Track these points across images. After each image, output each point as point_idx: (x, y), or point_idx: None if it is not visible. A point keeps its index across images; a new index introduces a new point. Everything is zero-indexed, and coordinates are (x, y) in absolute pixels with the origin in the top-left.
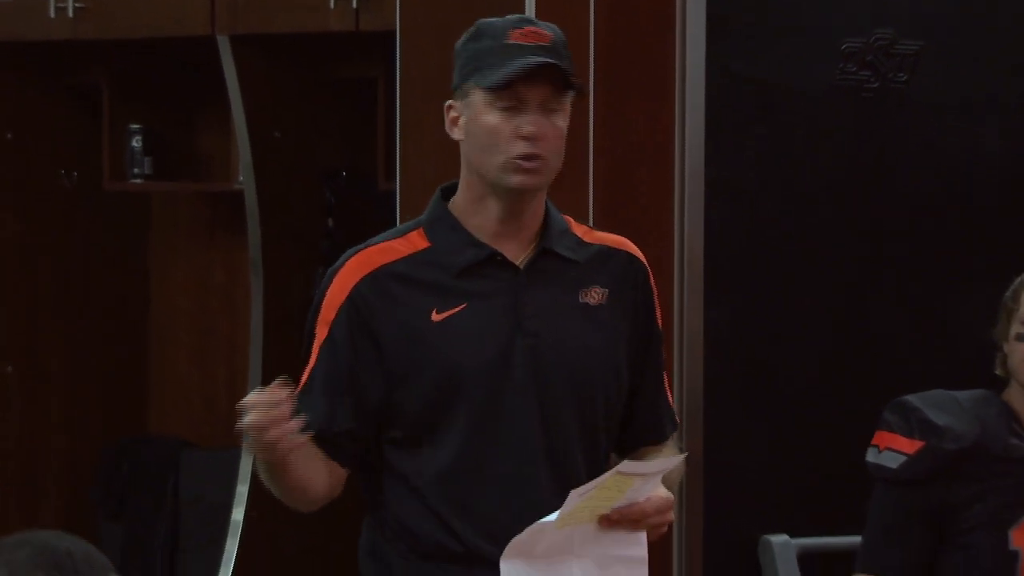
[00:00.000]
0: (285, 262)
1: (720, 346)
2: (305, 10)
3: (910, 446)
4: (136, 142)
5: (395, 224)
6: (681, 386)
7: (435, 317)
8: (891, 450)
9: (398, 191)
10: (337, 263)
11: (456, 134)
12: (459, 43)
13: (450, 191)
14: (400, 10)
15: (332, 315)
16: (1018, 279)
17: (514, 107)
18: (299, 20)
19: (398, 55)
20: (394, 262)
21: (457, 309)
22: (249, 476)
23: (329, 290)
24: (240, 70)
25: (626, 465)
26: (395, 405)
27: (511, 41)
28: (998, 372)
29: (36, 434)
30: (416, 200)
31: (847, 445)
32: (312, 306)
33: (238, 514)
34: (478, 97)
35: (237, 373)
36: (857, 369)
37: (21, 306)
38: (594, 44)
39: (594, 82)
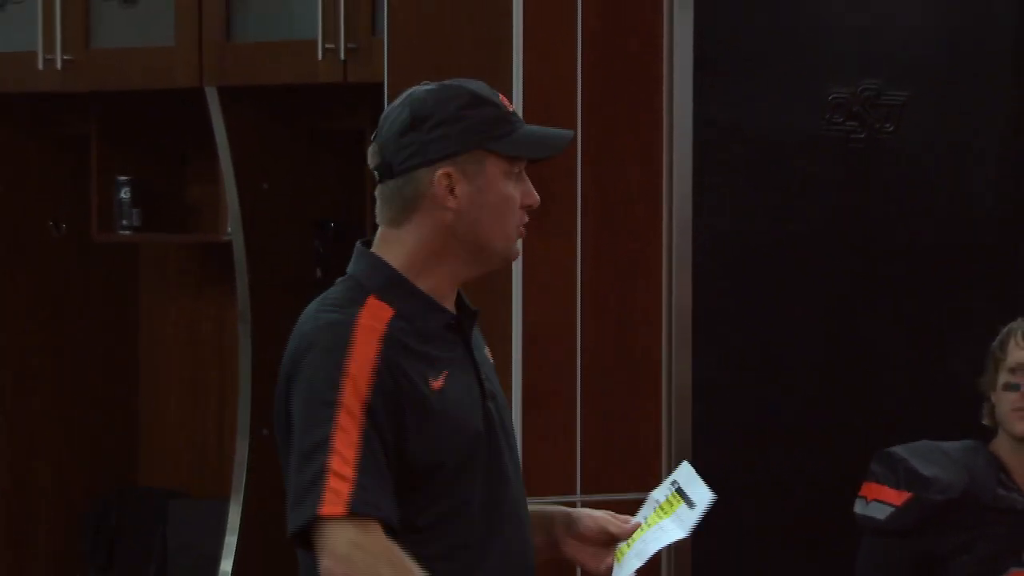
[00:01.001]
0: (273, 312)
1: (708, 393)
2: (293, 62)
3: (897, 497)
4: (124, 193)
5: None
6: (669, 432)
7: (434, 386)
8: (878, 501)
9: None
10: (343, 341)
11: (450, 202)
12: (451, 109)
13: (368, 249)
14: (388, 62)
15: (366, 389)
16: (1005, 329)
17: (518, 176)
18: (287, 72)
19: (386, 107)
20: (389, 330)
21: (443, 376)
22: (238, 527)
23: (350, 362)
24: (228, 122)
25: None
26: (412, 483)
27: (508, 109)
28: (985, 422)
29: (26, 486)
30: None
31: (837, 494)
32: (324, 376)
33: (227, 565)
34: (493, 165)
35: (226, 424)
36: (847, 417)
37: (9, 358)
38: (581, 94)
39: (581, 132)
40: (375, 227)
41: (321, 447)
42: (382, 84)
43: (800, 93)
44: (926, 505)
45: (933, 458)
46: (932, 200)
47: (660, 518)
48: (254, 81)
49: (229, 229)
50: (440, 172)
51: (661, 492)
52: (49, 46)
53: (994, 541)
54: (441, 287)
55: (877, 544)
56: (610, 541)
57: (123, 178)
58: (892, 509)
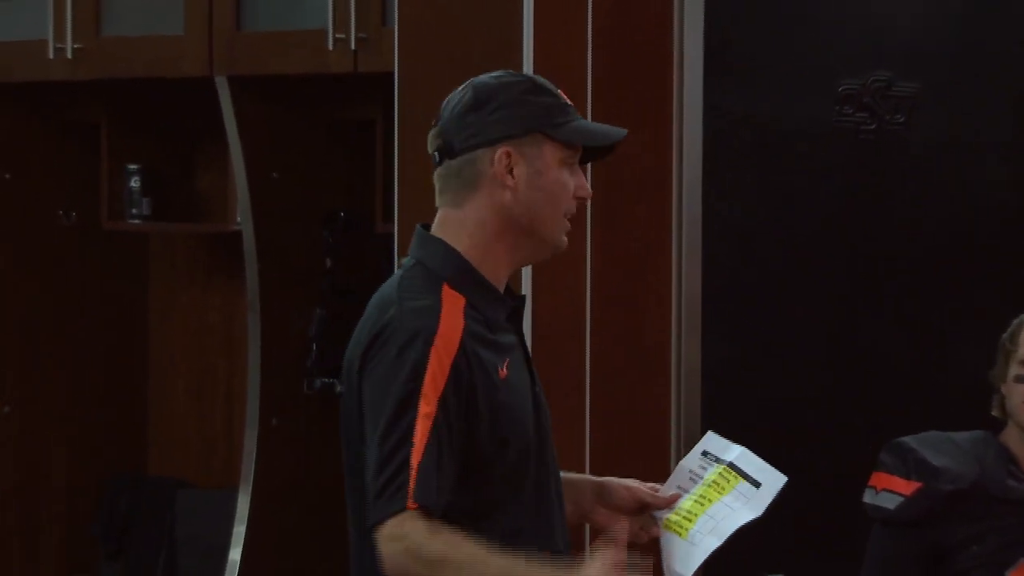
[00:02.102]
0: (283, 303)
1: (718, 381)
2: (303, 51)
3: (907, 487)
4: (134, 182)
5: (392, 266)
6: (679, 421)
7: (501, 374)
8: (888, 491)
9: (396, 233)
10: (428, 330)
11: (508, 181)
12: (513, 93)
13: (431, 234)
14: (399, 52)
15: (444, 379)
16: (1016, 321)
17: (572, 166)
18: (297, 61)
19: (396, 97)
20: (466, 320)
21: (506, 364)
22: (246, 517)
23: (432, 353)
24: (238, 111)
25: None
26: (481, 470)
27: (565, 101)
28: (995, 414)
29: (36, 474)
30: None
31: (845, 483)
32: (411, 359)
33: (235, 554)
34: (551, 151)
35: (235, 414)
36: (856, 406)
37: (19, 346)
38: (592, 82)
39: (592, 119)
40: (384, 218)
41: (404, 439)
42: (392, 74)
43: (810, 84)
44: (936, 495)
45: (943, 448)
46: (942, 191)
47: (718, 494)
48: (264, 71)
49: (239, 219)
50: (501, 151)
51: (693, 462)
52: (60, 35)
53: (1004, 532)
54: (498, 274)
55: (886, 534)
56: (641, 510)
57: (133, 167)
58: (902, 499)
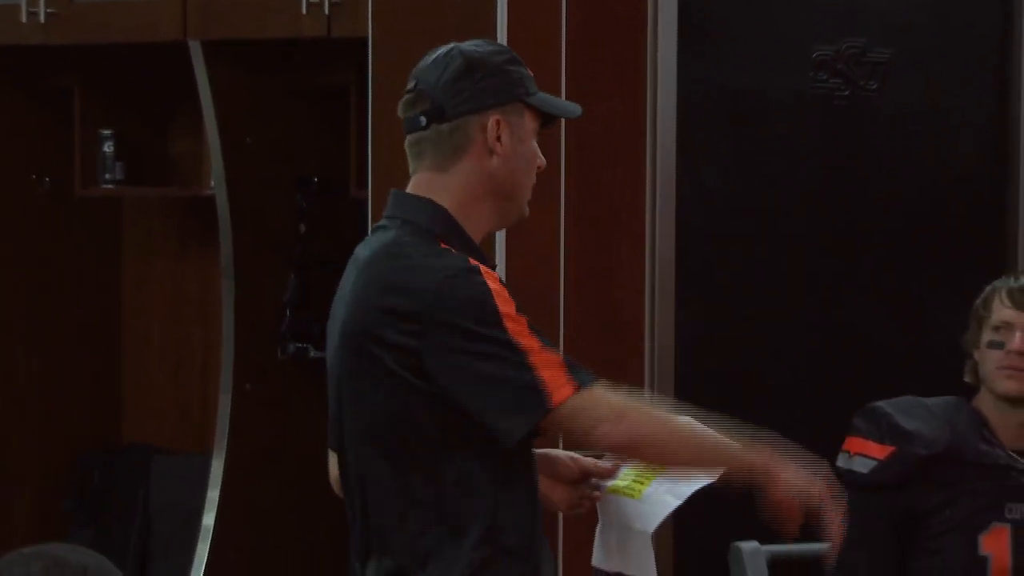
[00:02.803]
0: (257, 268)
1: (691, 350)
2: (277, 16)
3: (880, 451)
4: (108, 147)
5: (367, 231)
6: (652, 389)
7: None
8: (861, 455)
9: (370, 198)
10: (467, 266)
11: (497, 148)
12: (499, 61)
13: (409, 194)
14: (372, 17)
15: (510, 298)
16: (989, 287)
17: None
18: (271, 26)
19: (370, 62)
20: None
21: None
22: (220, 482)
23: (486, 277)
24: (212, 76)
25: None
26: None
27: (531, 74)
28: (967, 379)
29: (8, 442)
30: None
31: (818, 450)
32: (470, 293)
33: (209, 519)
34: (529, 121)
35: (210, 380)
36: (830, 373)
37: None
38: (565, 50)
39: (566, 88)
40: (358, 183)
41: (512, 356)
42: (366, 39)
43: (784, 50)
44: (909, 459)
45: (916, 413)
46: (915, 157)
47: None
48: (238, 35)
49: (212, 183)
50: (492, 119)
51: None
52: None
53: (976, 496)
54: (477, 237)
55: (859, 498)
56: (581, 480)
57: (106, 132)
58: (875, 463)
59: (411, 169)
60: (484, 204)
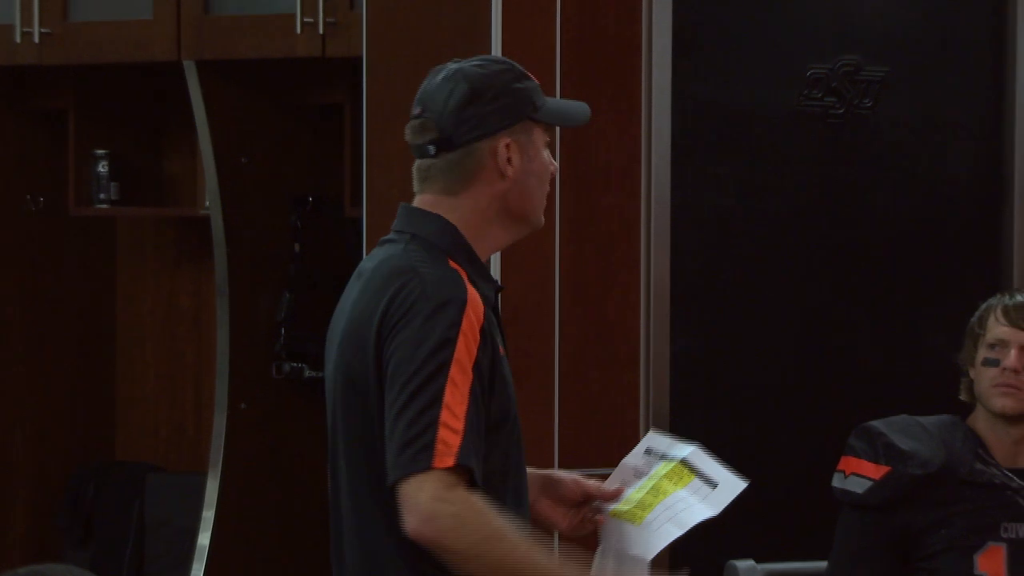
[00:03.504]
0: (251, 287)
1: (686, 371)
2: (271, 35)
3: (876, 471)
4: (102, 167)
5: (362, 250)
6: (647, 411)
7: (501, 351)
8: (857, 475)
9: (364, 217)
10: (459, 298)
11: (508, 171)
12: (504, 82)
13: (419, 209)
14: (367, 36)
15: (475, 346)
16: (984, 305)
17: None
18: (265, 45)
19: (364, 81)
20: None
21: (501, 339)
22: (215, 501)
23: (464, 319)
24: (207, 95)
25: (695, 455)
26: (487, 442)
27: (536, 82)
28: (963, 397)
29: (2, 459)
30: (383, 226)
31: (813, 469)
32: (443, 325)
33: (204, 539)
34: (539, 135)
35: (204, 398)
36: (824, 393)
37: None
38: (560, 69)
39: None
40: (353, 202)
41: (434, 401)
42: (361, 58)
43: (778, 68)
44: (905, 479)
45: (912, 432)
46: (911, 176)
47: (674, 486)
48: (232, 55)
49: (207, 203)
50: (503, 143)
51: (636, 459)
52: (27, 19)
53: (972, 516)
54: (484, 256)
55: (855, 518)
56: (584, 502)
57: (100, 152)
58: (870, 483)
59: (416, 188)
60: (495, 225)
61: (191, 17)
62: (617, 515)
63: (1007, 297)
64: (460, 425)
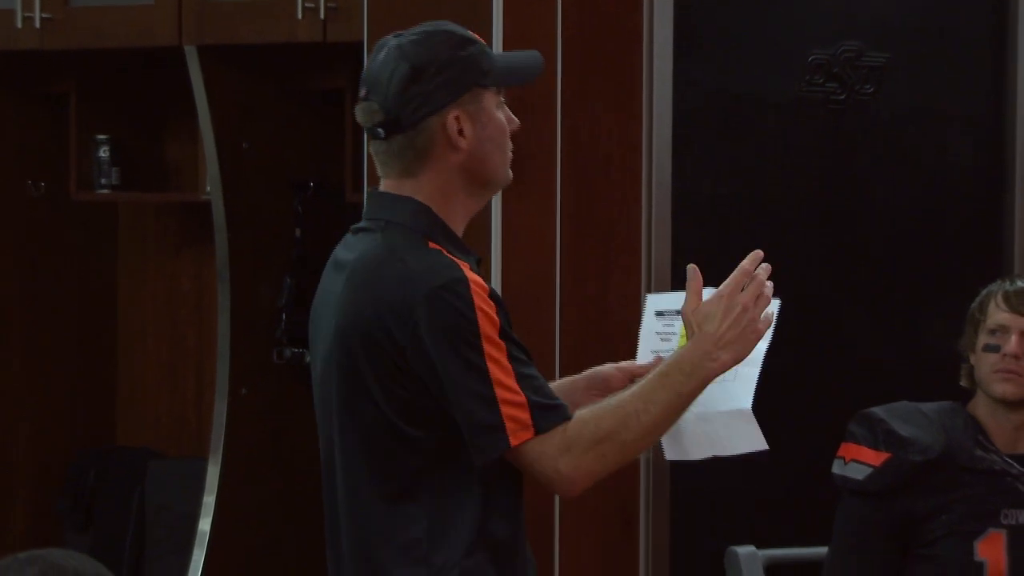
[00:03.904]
0: (253, 272)
1: None
2: (272, 20)
3: (876, 458)
4: (103, 152)
5: None
6: None
7: None
8: (857, 462)
9: (365, 202)
10: (457, 277)
11: (461, 143)
12: (445, 53)
13: (389, 194)
14: (368, 21)
15: (495, 315)
16: (984, 291)
17: (501, 104)
18: (266, 30)
19: (365, 65)
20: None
21: None
22: (216, 486)
23: (474, 295)
24: (208, 80)
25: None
26: None
27: (482, 42)
28: (963, 383)
29: (3, 445)
30: None
31: (814, 456)
32: (453, 315)
33: (205, 524)
34: (489, 99)
35: (205, 384)
36: (825, 380)
37: None
38: (561, 56)
39: (561, 94)
40: (354, 187)
41: (484, 384)
42: (362, 43)
43: (780, 55)
44: (905, 466)
45: (912, 419)
46: (912, 162)
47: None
48: (233, 40)
49: (208, 188)
50: (451, 116)
51: (654, 325)
52: (28, 4)
53: (972, 502)
54: (459, 226)
55: (855, 505)
56: (632, 382)
57: (102, 137)
58: (871, 470)
59: (380, 172)
60: (462, 195)
61: (192, 2)
62: None
63: (1008, 283)
64: (519, 396)
